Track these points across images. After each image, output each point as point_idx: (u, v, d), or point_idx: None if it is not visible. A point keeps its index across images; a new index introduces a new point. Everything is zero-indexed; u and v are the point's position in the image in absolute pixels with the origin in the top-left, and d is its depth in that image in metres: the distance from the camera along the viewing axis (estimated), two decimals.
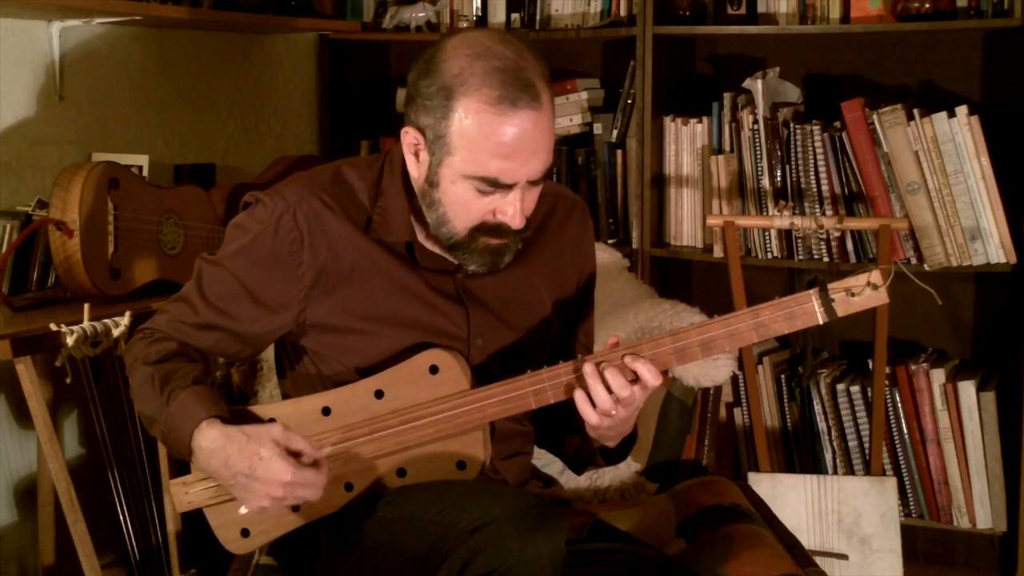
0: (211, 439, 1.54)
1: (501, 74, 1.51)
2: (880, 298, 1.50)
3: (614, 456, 1.75)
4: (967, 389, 2.84)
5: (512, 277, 1.72)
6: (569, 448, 1.80)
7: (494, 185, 1.55)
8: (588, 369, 1.54)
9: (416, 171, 1.62)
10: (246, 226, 1.67)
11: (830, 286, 1.51)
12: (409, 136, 1.60)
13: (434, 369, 1.60)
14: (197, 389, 1.58)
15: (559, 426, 1.78)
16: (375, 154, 1.83)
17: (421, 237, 1.67)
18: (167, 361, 1.63)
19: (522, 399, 1.58)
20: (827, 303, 1.51)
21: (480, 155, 1.53)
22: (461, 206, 1.58)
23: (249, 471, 1.52)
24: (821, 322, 1.51)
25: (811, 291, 1.51)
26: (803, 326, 1.52)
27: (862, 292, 1.50)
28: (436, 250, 1.67)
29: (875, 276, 1.50)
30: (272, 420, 1.61)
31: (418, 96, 1.57)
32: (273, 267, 1.65)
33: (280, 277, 1.65)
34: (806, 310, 1.52)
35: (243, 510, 1.60)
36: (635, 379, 1.54)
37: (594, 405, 1.54)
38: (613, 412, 1.55)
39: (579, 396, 1.55)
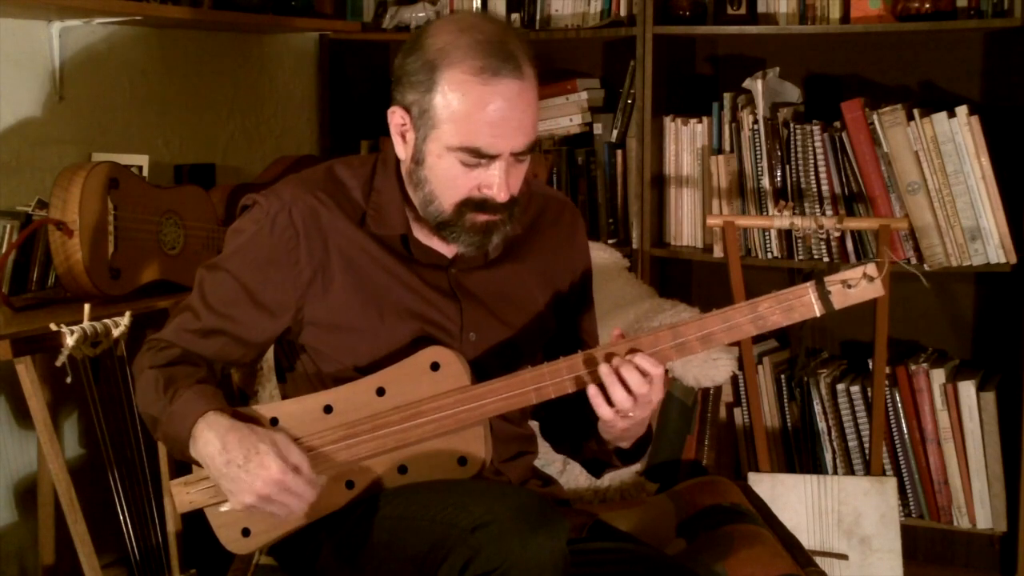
0: (214, 425, 1.53)
1: (484, 46, 1.54)
2: (876, 290, 1.51)
3: (630, 456, 1.75)
4: (967, 389, 2.84)
5: (505, 273, 1.73)
6: (587, 452, 1.80)
7: (478, 155, 1.56)
8: (604, 370, 1.54)
9: (404, 153, 1.65)
10: (243, 228, 1.69)
11: (826, 279, 1.52)
12: (396, 116, 1.63)
13: (435, 366, 1.60)
14: (202, 388, 1.59)
15: (576, 431, 1.78)
16: (369, 153, 1.86)
17: (415, 230, 1.68)
18: (171, 365, 1.63)
19: (523, 395, 1.58)
20: (824, 295, 1.51)
21: (464, 125, 1.55)
22: (447, 181, 1.60)
23: (243, 461, 1.51)
24: (818, 314, 1.52)
25: (808, 284, 1.52)
26: (800, 318, 1.53)
27: (858, 284, 1.50)
28: (430, 243, 1.69)
29: (871, 268, 1.50)
30: (274, 419, 1.61)
31: (404, 75, 1.60)
32: (270, 266, 1.66)
33: (278, 277, 1.66)
34: (803, 302, 1.53)
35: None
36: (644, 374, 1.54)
37: (612, 404, 1.54)
38: (632, 413, 1.55)
39: (595, 395, 1.55)
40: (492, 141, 1.55)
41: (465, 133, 1.55)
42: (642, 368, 1.53)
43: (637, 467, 2.14)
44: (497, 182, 1.58)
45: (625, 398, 1.53)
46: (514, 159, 1.59)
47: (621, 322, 2.22)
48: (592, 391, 1.55)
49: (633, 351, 1.54)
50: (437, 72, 1.55)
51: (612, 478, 2.13)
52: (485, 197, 1.59)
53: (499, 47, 1.54)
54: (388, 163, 1.71)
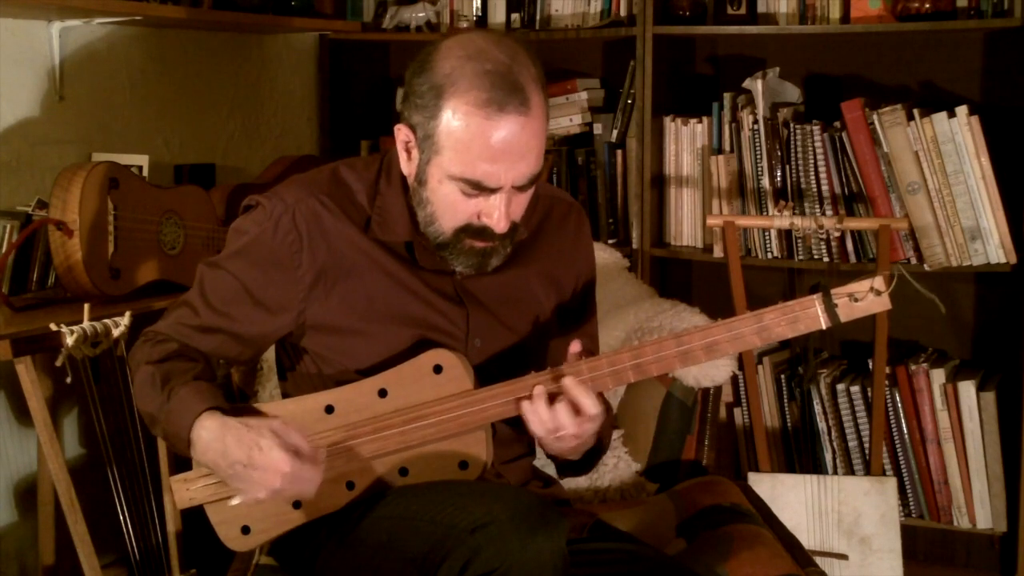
0: (209, 429, 1.54)
1: (491, 77, 1.52)
2: (883, 304, 1.51)
3: (579, 467, 1.78)
4: (967, 389, 2.84)
5: (510, 278, 1.73)
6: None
7: (478, 188, 1.55)
8: (538, 391, 1.55)
9: (407, 168, 1.64)
10: (245, 228, 1.68)
11: (833, 291, 1.51)
12: (402, 133, 1.62)
13: (438, 369, 1.60)
14: (197, 385, 1.59)
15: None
16: (373, 155, 1.85)
17: (420, 236, 1.68)
18: (168, 361, 1.63)
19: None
20: (830, 308, 1.51)
21: (466, 157, 1.53)
22: (447, 206, 1.59)
23: (248, 461, 1.51)
24: (824, 327, 1.52)
25: (814, 296, 1.52)
26: (806, 330, 1.53)
27: (865, 297, 1.50)
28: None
29: (878, 282, 1.50)
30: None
31: (412, 94, 1.58)
32: (272, 268, 1.65)
33: (280, 279, 1.65)
34: (809, 315, 1.52)
35: (235, 501, 1.60)
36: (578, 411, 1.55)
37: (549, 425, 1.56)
38: (560, 432, 1.56)
39: (528, 412, 1.56)
40: (493, 174, 1.54)
41: (466, 164, 1.54)
42: (580, 406, 1.54)
43: (637, 467, 2.14)
44: (497, 213, 1.57)
45: (549, 419, 1.55)
46: (516, 190, 1.58)
47: (621, 322, 2.22)
48: (525, 410, 1.56)
49: (574, 382, 1.54)
50: (442, 99, 1.53)
51: (612, 478, 2.13)
52: (484, 225, 1.59)
53: (506, 78, 1.52)
54: (393, 167, 1.69)
